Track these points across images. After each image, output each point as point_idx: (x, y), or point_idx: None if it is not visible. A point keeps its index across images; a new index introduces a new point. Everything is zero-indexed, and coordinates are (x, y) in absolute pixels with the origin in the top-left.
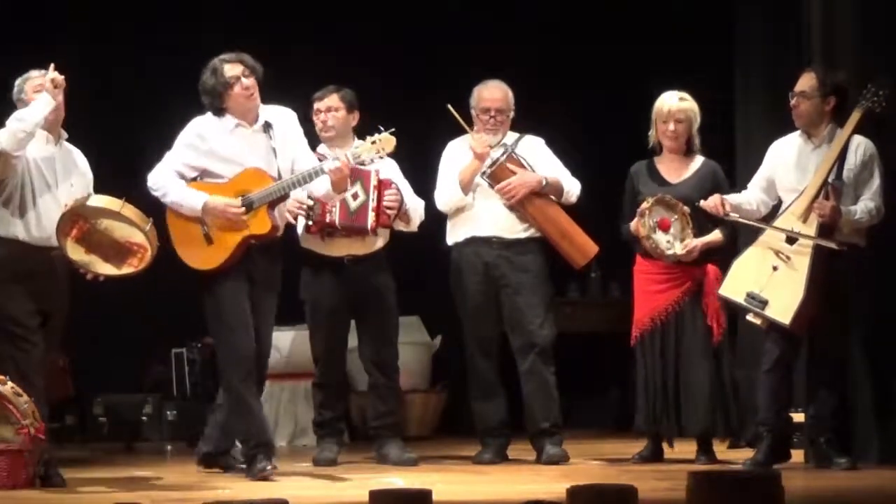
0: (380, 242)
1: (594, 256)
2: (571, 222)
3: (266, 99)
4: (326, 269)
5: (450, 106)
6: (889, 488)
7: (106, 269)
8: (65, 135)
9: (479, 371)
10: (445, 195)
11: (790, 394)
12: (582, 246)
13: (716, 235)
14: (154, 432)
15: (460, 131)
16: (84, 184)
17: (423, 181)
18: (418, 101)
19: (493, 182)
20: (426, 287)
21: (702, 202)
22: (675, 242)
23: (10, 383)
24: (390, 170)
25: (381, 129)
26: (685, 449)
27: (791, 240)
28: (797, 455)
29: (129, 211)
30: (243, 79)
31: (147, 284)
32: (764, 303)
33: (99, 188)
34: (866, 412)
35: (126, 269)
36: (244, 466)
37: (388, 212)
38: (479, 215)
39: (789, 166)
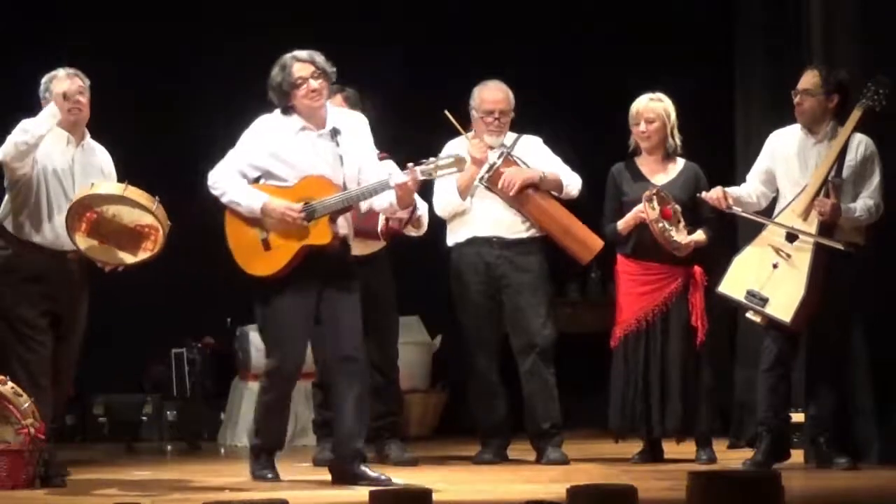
0: (381, 243)
1: (599, 252)
2: (573, 218)
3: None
4: None
5: (447, 112)
6: (889, 488)
7: (123, 257)
8: (87, 135)
9: (479, 371)
10: (443, 201)
11: (789, 393)
12: (586, 241)
13: (699, 236)
14: (154, 432)
15: (458, 134)
16: None
17: (422, 184)
18: (417, 102)
19: (491, 186)
20: (426, 287)
21: (704, 194)
22: (674, 233)
23: (10, 383)
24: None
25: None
26: (685, 449)
27: (791, 237)
28: (797, 455)
29: (133, 193)
30: (312, 81)
31: (147, 284)
32: (764, 300)
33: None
34: (866, 412)
35: (142, 255)
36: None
37: (399, 215)
38: (479, 216)
39: (790, 158)
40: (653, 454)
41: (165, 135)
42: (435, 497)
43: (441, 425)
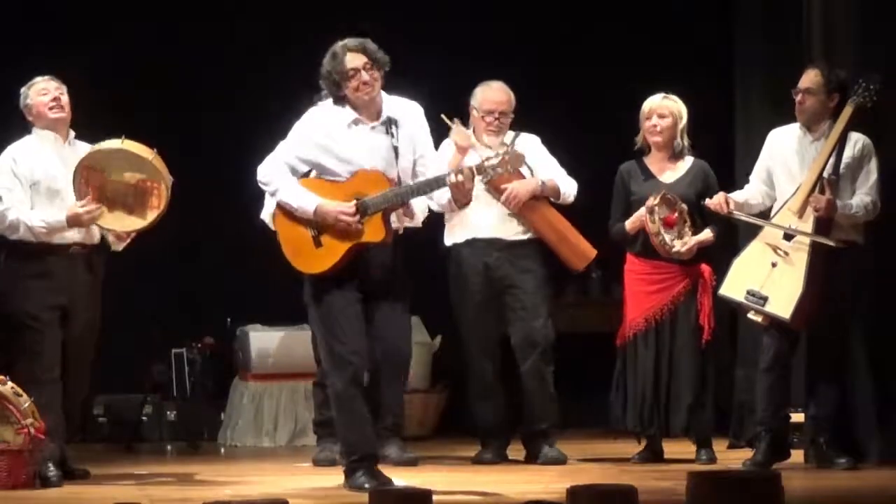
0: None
1: (592, 259)
2: (569, 226)
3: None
4: None
5: (443, 115)
6: (889, 488)
7: (134, 222)
8: (72, 134)
9: (480, 371)
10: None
11: (788, 393)
12: (580, 249)
13: (706, 234)
14: (154, 432)
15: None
16: None
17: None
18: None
19: (491, 188)
20: (426, 287)
21: (706, 201)
22: (676, 240)
23: (10, 383)
24: None
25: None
26: (685, 449)
27: (789, 236)
28: (797, 455)
29: (131, 144)
30: (363, 72)
31: (147, 284)
32: (764, 299)
33: None
34: (866, 412)
35: (151, 215)
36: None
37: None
38: (477, 218)
39: (789, 156)
40: (653, 454)
41: (165, 136)
42: (435, 497)
43: (441, 425)
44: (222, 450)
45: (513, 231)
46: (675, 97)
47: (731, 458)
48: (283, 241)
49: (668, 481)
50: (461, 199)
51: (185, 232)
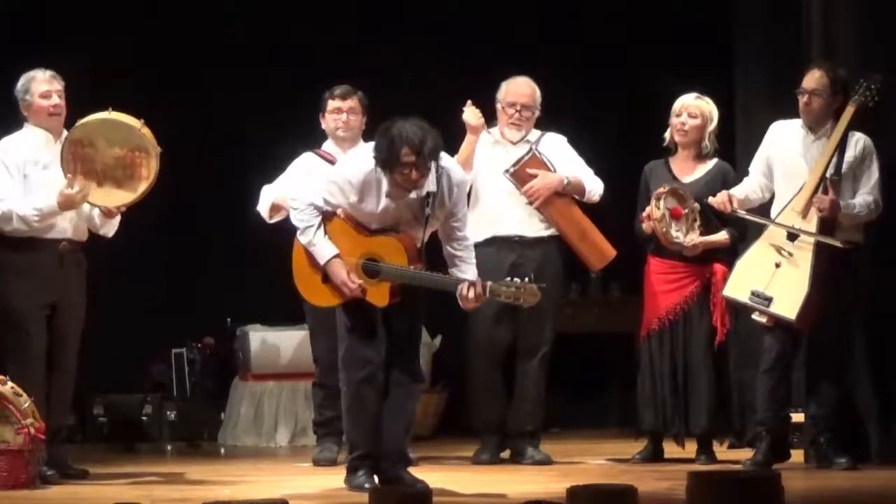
0: None
1: (611, 260)
2: (591, 225)
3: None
4: None
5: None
6: (889, 488)
7: (124, 196)
8: (65, 132)
9: (481, 371)
10: None
11: (789, 393)
12: (600, 249)
13: (722, 236)
14: (154, 432)
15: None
16: None
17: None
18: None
19: (515, 180)
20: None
21: (710, 199)
22: (681, 234)
23: (10, 383)
24: None
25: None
26: (685, 449)
27: (792, 236)
28: (797, 455)
29: (117, 114)
30: (414, 171)
31: (147, 284)
32: (768, 300)
33: None
34: (866, 412)
35: (141, 186)
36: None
37: None
38: (500, 213)
39: (791, 154)
40: (653, 454)
41: (165, 136)
42: (435, 497)
43: (441, 425)
44: (222, 450)
45: (535, 228)
46: (707, 98)
47: (731, 457)
48: (296, 258)
49: (668, 481)
50: (466, 307)
51: (185, 232)
